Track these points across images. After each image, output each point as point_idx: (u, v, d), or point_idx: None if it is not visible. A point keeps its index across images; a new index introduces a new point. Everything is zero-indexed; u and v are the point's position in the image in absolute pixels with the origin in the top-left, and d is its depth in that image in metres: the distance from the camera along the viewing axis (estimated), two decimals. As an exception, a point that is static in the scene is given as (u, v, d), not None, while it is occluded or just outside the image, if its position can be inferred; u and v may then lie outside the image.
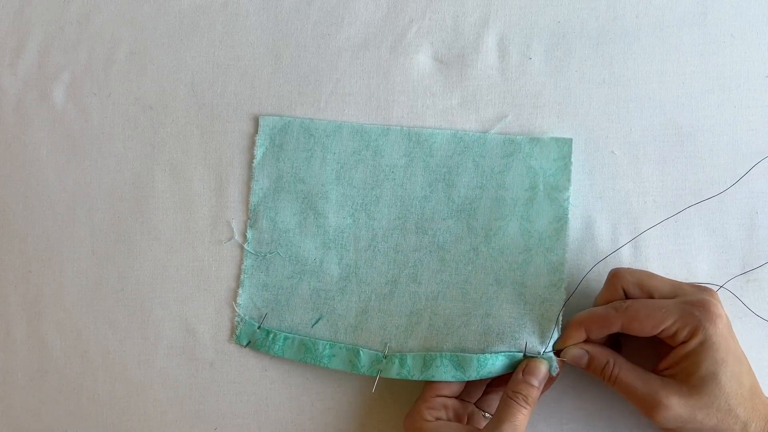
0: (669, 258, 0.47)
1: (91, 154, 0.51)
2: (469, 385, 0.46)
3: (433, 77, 0.50)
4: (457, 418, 0.45)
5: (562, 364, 0.44)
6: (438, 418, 0.44)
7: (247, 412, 0.49)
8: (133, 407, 0.49)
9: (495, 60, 0.50)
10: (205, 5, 0.52)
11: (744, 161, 0.48)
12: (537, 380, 0.43)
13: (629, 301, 0.42)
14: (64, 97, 0.52)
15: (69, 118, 0.52)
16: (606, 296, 0.43)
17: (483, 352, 0.45)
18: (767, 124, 0.48)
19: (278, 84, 0.51)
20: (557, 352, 0.44)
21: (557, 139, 0.48)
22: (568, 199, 0.46)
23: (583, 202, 0.48)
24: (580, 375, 0.46)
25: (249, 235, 0.49)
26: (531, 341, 0.44)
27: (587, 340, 0.43)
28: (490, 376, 0.44)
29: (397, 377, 0.45)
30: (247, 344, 0.49)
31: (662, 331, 0.40)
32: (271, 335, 0.48)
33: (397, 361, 0.46)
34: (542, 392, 0.43)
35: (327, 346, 0.47)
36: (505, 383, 0.45)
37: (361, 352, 0.47)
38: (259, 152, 0.50)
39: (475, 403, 0.46)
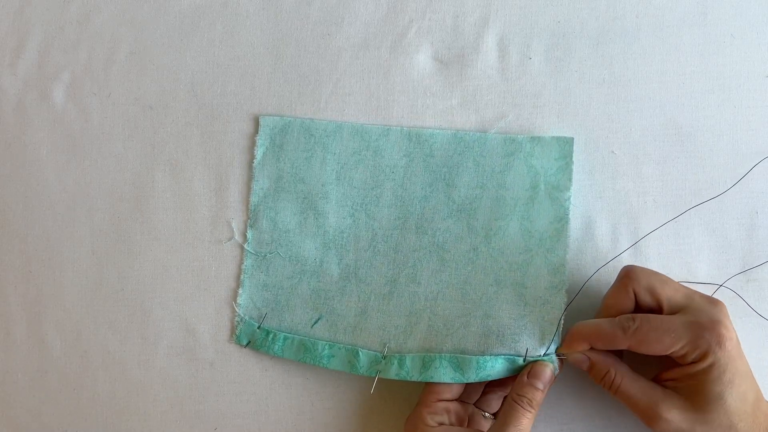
0: (669, 258, 0.47)
1: (91, 154, 0.51)
2: (469, 386, 0.45)
3: (433, 77, 0.50)
4: (459, 421, 0.44)
5: (562, 365, 0.44)
6: (441, 423, 0.43)
7: (247, 412, 0.49)
8: (133, 407, 0.49)
9: (495, 60, 0.50)
10: (205, 5, 0.52)
11: (744, 161, 0.48)
12: (542, 383, 0.42)
13: (638, 321, 0.40)
14: (64, 97, 0.52)
15: (69, 118, 0.52)
16: (615, 296, 0.42)
17: (483, 354, 0.44)
18: (767, 124, 0.48)
19: (278, 84, 0.50)
20: (558, 354, 0.44)
21: (559, 138, 0.47)
22: (569, 199, 0.46)
23: (583, 202, 0.48)
24: (580, 376, 0.46)
25: (249, 235, 0.49)
26: (531, 344, 0.44)
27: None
28: (489, 378, 0.44)
29: (396, 378, 0.45)
30: (247, 344, 0.48)
31: (671, 352, 0.40)
32: (271, 335, 0.48)
33: (396, 362, 0.46)
34: None
35: (326, 347, 0.47)
36: (504, 383, 0.45)
37: (360, 353, 0.46)
38: (259, 152, 0.49)
39: (474, 404, 0.46)
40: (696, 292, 0.42)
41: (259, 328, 0.48)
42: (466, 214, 0.47)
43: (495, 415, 0.46)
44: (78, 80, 0.52)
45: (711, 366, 0.39)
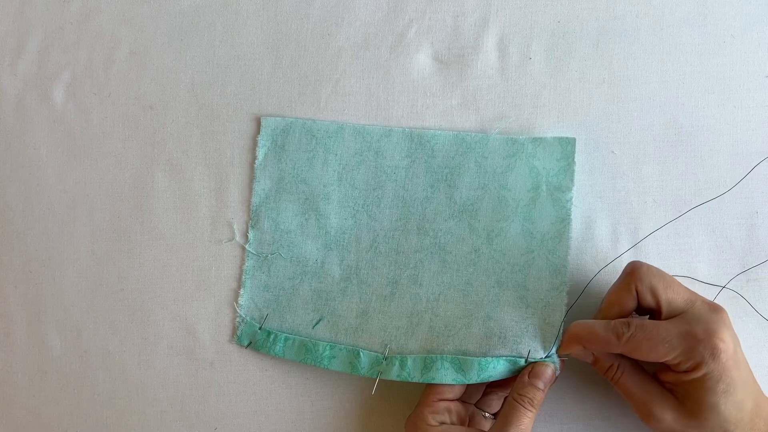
0: (669, 257, 0.47)
1: (91, 154, 0.51)
2: (470, 387, 0.45)
3: (433, 77, 0.50)
4: (460, 421, 0.44)
5: (563, 364, 0.44)
6: (442, 422, 0.43)
7: (247, 412, 0.49)
8: (133, 407, 0.49)
9: (495, 60, 0.49)
10: (205, 5, 0.52)
11: (744, 161, 0.47)
12: (543, 383, 0.42)
13: (632, 328, 0.40)
14: (64, 97, 0.52)
15: (69, 118, 0.51)
16: (618, 293, 0.42)
17: (484, 355, 0.44)
18: (767, 124, 0.48)
19: (278, 84, 0.50)
20: (558, 354, 0.43)
21: (560, 139, 0.47)
22: (571, 199, 0.46)
23: (583, 202, 0.47)
24: (580, 375, 0.46)
25: (251, 235, 0.49)
26: (533, 346, 0.44)
27: None
28: (490, 380, 0.44)
29: (397, 379, 0.45)
30: (248, 345, 0.48)
31: (665, 361, 0.40)
32: (272, 336, 0.48)
33: (397, 362, 0.45)
34: None
35: (327, 348, 0.47)
36: (505, 384, 0.45)
37: (361, 354, 0.46)
38: (260, 153, 0.49)
39: (474, 404, 0.46)
40: (698, 297, 0.41)
41: (260, 328, 0.48)
42: (467, 215, 0.47)
43: (495, 415, 0.46)
44: (78, 80, 0.52)
45: (704, 376, 0.38)
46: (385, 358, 0.46)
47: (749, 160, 0.47)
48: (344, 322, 0.47)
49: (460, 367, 0.44)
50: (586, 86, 0.49)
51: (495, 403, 0.46)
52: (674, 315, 0.41)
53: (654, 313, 0.42)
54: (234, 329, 0.49)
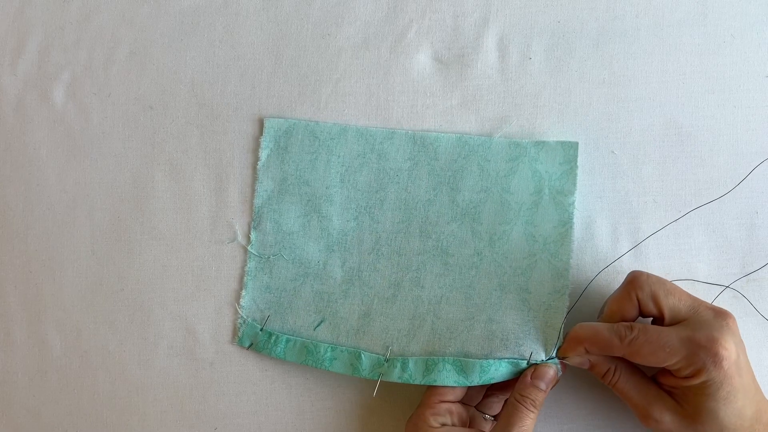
0: (669, 258, 0.47)
1: (91, 154, 0.51)
2: (470, 389, 0.45)
3: (433, 77, 0.50)
4: (461, 423, 0.44)
5: (565, 367, 0.43)
6: (443, 424, 0.43)
7: (247, 412, 0.49)
8: (133, 407, 0.49)
9: (495, 60, 0.49)
10: (205, 5, 0.51)
11: (744, 161, 0.47)
12: (545, 384, 0.42)
13: (635, 332, 0.40)
14: (64, 97, 0.52)
15: (69, 118, 0.51)
16: (619, 302, 0.42)
17: (486, 357, 0.44)
18: (767, 124, 0.48)
19: (278, 84, 0.50)
20: (558, 357, 0.43)
21: (563, 143, 0.47)
22: (573, 203, 0.46)
23: (584, 202, 0.47)
24: (580, 376, 0.46)
25: (253, 236, 0.49)
26: (535, 348, 0.44)
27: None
28: (492, 382, 0.43)
29: (399, 381, 0.45)
30: (250, 346, 0.48)
31: (666, 366, 0.39)
32: (273, 337, 0.47)
33: (398, 365, 0.45)
34: None
35: (329, 349, 0.47)
36: (505, 386, 0.45)
37: (362, 356, 0.46)
38: (263, 154, 0.49)
39: (475, 407, 0.46)
40: (702, 302, 0.41)
41: (261, 330, 0.48)
42: (470, 218, 0.47)
43: (496, 417, 0.45)
44: (78, 80, 0.51)
45: (705, 383, 0.38)
46: (387, 360, 0.46)
47: (749, 160, 0.47)
48: (346, 324, 0.47)
49: (462, 369, 0.44)
50: (586, 86, 0.48)
51: (496, 405, 0.46)
52: (678, 321, 0.40)
53: (657, 320, 0.41)
54: (235, 330, 0.48)
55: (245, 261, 0.49)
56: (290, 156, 0.49)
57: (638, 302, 0.41)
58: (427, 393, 0.44)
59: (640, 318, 0.42)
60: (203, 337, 0.49)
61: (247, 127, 0.50)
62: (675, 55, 0.48)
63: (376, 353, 0.46)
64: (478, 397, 0.46)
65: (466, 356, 0.45)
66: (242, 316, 0.48)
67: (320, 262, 0.48)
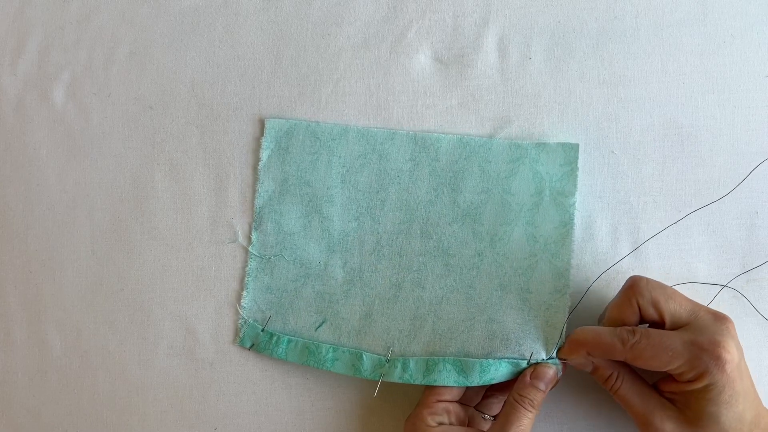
0: (669, 258, 0.47)
1: (91, 154, 0.51)
2: (469, 390, 0.45)
3: (433, 77, 0.50)
4: (459, 422, 0.44)
5: (565, 367, 0.43)
6: (441, 423, 0.43)
7: (247, 412, 0.48)
8: (133, 407, 0.49)
9: (495, 60, 0.49)
10: (205, 5, 0.51)
11: (744, 161, 0.47)
12: (544, 384, 0.42)
13: (637, 336, 0.39)
14: (64, 97, 0.51)
15: (69, 118, 0.51)
16: (619, 308, 0.41)
17: (486, 357, 0.44)
18: (767, 124, 0.48)
19: (278, 84, 0.50)
20: (560, 358, 0.43)
21: (564, 145, 0.47)
22: (574, 204, 0.45)
23: (584, 202, 0.47)
24: (580, 376, 0.46)
25: (254, 237, 0.48)
26: (535, 348, 0.43)
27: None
28: (492, 382, 0.43)
29: (400, 381, 0.45)
30: (251, 347, 0.48)
31: (668, 370, 0.39)
32: (275, 338, 0.47)
33: (399, 365, 0.45)
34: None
35: (330, 350, 0.46)
36: (505, 387, 0.44)
37: (364, 356, 0.46)
38: (264, 155, 0.49)
39: (474, 407, 0.46)
40: (702, 307, 0.40)
41: (262, 331, 0.48)
42: (471, 219, 0.47)
43: (495, 417, 0.45)
44: (78, 80, 0.51)
45: (707, 387, 0.38)
46: (388, 361, 0.46)
47: (749, 160, 0.47)
48: (347, 324, 0.47)
49: (462, 369, 0.44)
50: (586, 86, 0.48)
51: (495, 406, 0.45)
52: (678, 326, 0.40)
53: (657, 325, 0.41)
54: (236, 331, 0.48)
55: (245, 261, 0.49)
56: (291, 156, 0.49)
57: (639, 308, 0.41)
58: (425, 393, 0.44)
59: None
60: (203, 337, 0.49)
61: (247, 127, 0.50)
62: (675, 55, 0.48)
63: (378, 354, 0.46)
64: (476, 398, 0.46)
65: (466, 356, 0.44)
66: (243, 317, 0.48)
67: (321, 262, 0.48)
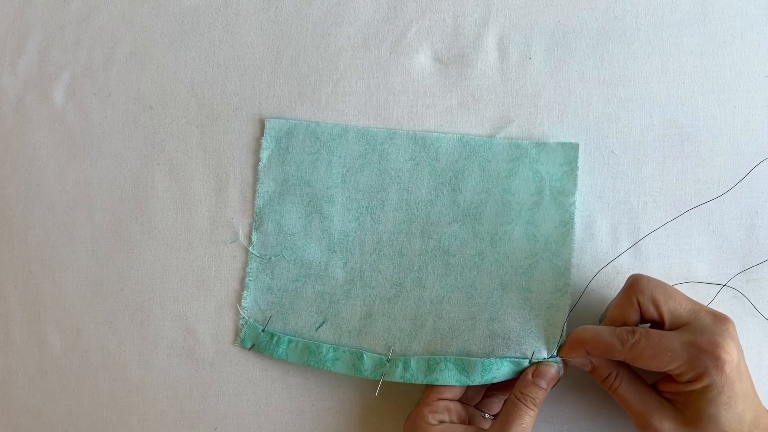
0: (669, 258, 0.47)
1: (91, 154, 0.51)
2: (470, 389, 0.45)
3: (433, 77, 0.50)
4: (460, 421, 0.44)
5: (566, 366, 0.43)
6: (441, 421, 0.43)
7: (247, 412, 0.48)
8: (133, 407, 0.49)
9: (495, 60, 0.49)
10: (205, 5, 0.51)
11: (744, 161, 0.47)
12: (546, 382, 0.42)
13: (636, 336, 0.39)
14: (64, 97, 0.51)
15: (69, 118, 0.51)
16: (620, 306, 0.41)
17: (488, 356, 0.44)
18: (767, 124, 0.48)
19: (278, 84, 0.50)
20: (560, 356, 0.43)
21: (564, 144, 0.47)
22: (574, 203, 0.45)
23: (584, 202, 0.47)
24: (580, 376, 0.46)
25: (254, 237, 0.48)
26: (537, 347, 0.43)
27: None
28: (494, 381, 0.43)
29: (401, 381, 0.44)
30: (251, 347, 0.48)
31: (667, 370, 0.39)
32: (275, 338, 0.47)
33: (400, 364, 0.45)
34: None
35: (331, 350, 0.46)
36: (506, 386, 0.44)
37: (364, 356, 0.46)
38: (264, 155, 0.49)
39: (475, 406, 0.46)
40: (703, 307, 0.40)
41: (263, 331, 0.48)
42: (471, 218, 0.47)
43: (495, 416, 0.45)
44: (78, 80, 0.51)
45: (706, 387, 0.38)
46: (389, 360, 0.46)
47: (749, 160, 0.47)
48: (348, 324, 0.47)
49: (464, 368, 0.44)
50: (586, 86, 0.48)
51: (495, 405, 0.45)
52: (678, 326, 0.40)
53: (657, 325, 0.41)
54: (237, 331, 0.48)
55: (245, 261, 0.49)
56: (291, 157, 0.49)
57: (639, 306, 0.41)
58: (426, 391, 0.44)
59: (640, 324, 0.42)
60: (203, 337, 0.49)
61: (247, 127, 0.50)
62: (675, 55, 0.48)
63: (378, 353, 0.46)
64: (477, 397, 0.46)
65: (468, 355, 0.44)
66: (244, 317, 0.48)
67: (322, 262, 0.48)
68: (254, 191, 0.49)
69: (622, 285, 0.43)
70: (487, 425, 0.45)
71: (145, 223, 0.50)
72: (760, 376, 0.44)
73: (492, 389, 0.46)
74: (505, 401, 0.44)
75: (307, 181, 0.48)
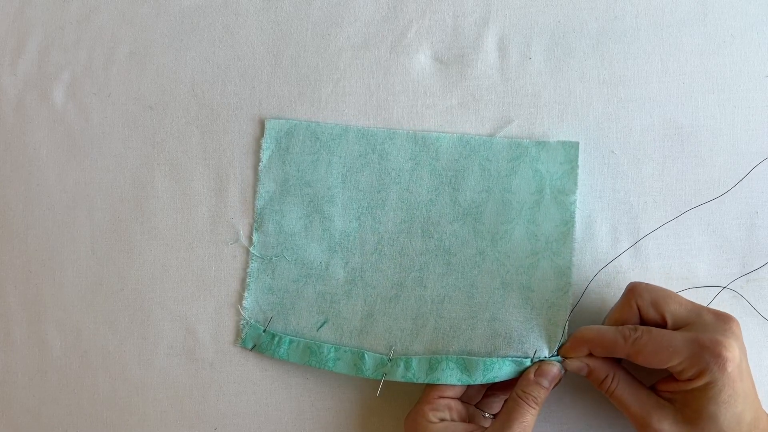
0: (669, 258, 0.47)
1: (91, 154, 0.51)
2: (470, 388, 0.45)
3: (433, 77, 0.50)
4: (461, 419, 0.44)
5: (565, 369, 0.44)
6: (442, 419, 0.43)
7: (247, 412, 0.48)
8: (133, 407, 0.49)
9: (495, 60, 0.49)
10: (205, 5, 0.51)
11: (744, 161, 0.47)
12: (548, 381, 0.42)
13: (639, 332, 0.39)
14: (64, 97, 0.51)
15: (69, 118, 0.51)
16: (620, 311, 0.42)
17: (489, 355, 0.44)
18: (767, 124, 0.48)
19: (278, 84, 0.50)
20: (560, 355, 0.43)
21: (564, 143, 0.47)
22: (574, 202, 0.45)
23: (584, 202, 0.47)
24: (581, 376, 0.46)
25: (255, 238, 0.48)
26: (538, 346, 0.43)
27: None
28: (496, 380, 0.43)
29: (402, 380, 0.44)
30: (252, 348, 0.48)
31: (668, 367, 0.39)
32: (276, 339, 0.47)
33: (402, 364, 0.45)
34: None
35: (332, 350, 0.46)
36: (505, 386, 0.44)
37: (366, 356, 0.46)
38: (265, 155, 0.49)
39: (475, 405, 0.46)
40: (704, 308, 0.40)
41: (264, 331, 0.48)
42: (472, 218, 0.47)
43: (496, 416, 0.45)
44: (78, 80, 0.51)
45: (707, 385, 0.38)
46: (390, 360, 0.46)
47: (749, 160, 0.47)
48: (349, 324, 0.47)
49: (466, 367, 0.44)
50: (586, 86, 0.48)
51: (496, 405, 0.45)
52: (680, 326, 0.40)
53: (660, 326, 0.41)
54: (238, 332, 0.48)
55: (245, 261, 0.49)
56: (291, 157, 0.49)
57: (639, 310, 0.41)
58: (427, 389, 0.44)
59: None
60: (203, 337, 0.49)
61: (247, 127, 0.50)
62: (675, 55, 0.48)
63: (380, 353, 0.46)
64: (478, 396, 0.46)
65: (469, 355, 0.44)
66: (245, 318, 0.48)
67: (322, 262, 0.48)
68: (254, 191, 0.49)
69: (622, 285, 0.43)
70: (487, 424, 0.45)
71: (145, 223, 0.50)
72: (760, 376, 0.44)
73: (492, 388, 0.46)
74: (505, 401, 0.44)
75: (308, 181, 0.48)
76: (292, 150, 0.49)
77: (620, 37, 0.48)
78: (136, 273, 0.49)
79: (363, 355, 0.46)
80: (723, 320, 0.39)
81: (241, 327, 0.48)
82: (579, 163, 0.46)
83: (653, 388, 0.42)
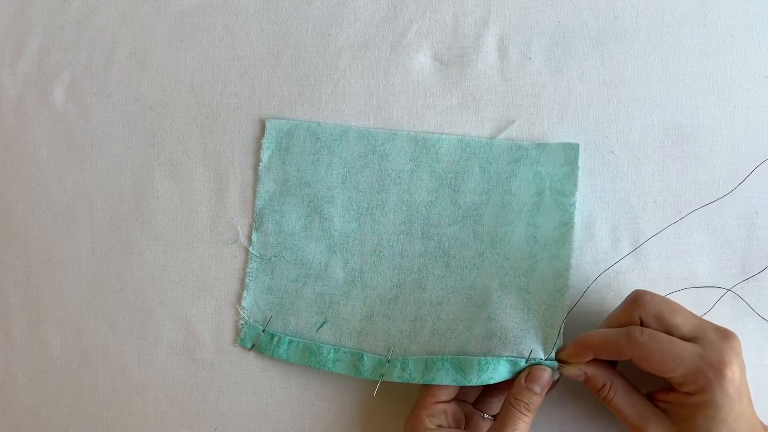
0: (669, 258, 0.47)
1: (91, 154, 0.51)
2: (467, 386, 0.45)
3: (433, 77, 0.49)
4: (457, 423, 0.44)
5: (561, 373, 0.43)
6: (439, 425, 0.43)
7: (247, 412, 0.48)
8: (133, 407, 0.49)
9: (495, 60, 0.49)
10: (205, 5, 0.51)
11: (744, 161, 0.47)
12: (539, 387, 0.42)
13: (646, 334, 0.39)
14: (64, 97, 0.51)
15: (69, 118, 0.51)
16: (620, 319, 0.41)
17: (485, 355, 0.44)
18: (767, 124, 0.48)
19: (278, 84, 0.50)
20: (559, 359, 0.43)
21: (564, 145, 0.46)
22: (574, 204, 0.45)
23: (584, 202, 0.47)
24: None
25: (254, 238, 0.48)
26: (534, 347, 0.43)
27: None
28: (491, 381, 0.43)
29: (399, 381, 0.44)
30: (252, 348, 0.48)
31: (670, 377, 0.39)
32: (276, 339, 0.47)
33: (399, 365, 0.45)
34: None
35: (331, 351, 0.46)
36: (505, 387, 0.44)
37: (365, 357, 0.46)
38: (265, 155, 0.49)
39: (474, 406, 0.45)
40: (708, 323, 0.40)
41: (263, 331, 0.48)
42: (471, 220, 0.46)
43: (495, 417, 0.45)
44: (78, 80, 0.51)
45: (706, 402, 0.38)
46: (388, 361, 0.46)
47: (749, 160, 0.47)
48: (348, 325, 0.47)
49: (460, 367, 0.44)
50: (586, 86, 0.48)
51: (495, 405, 0.45)
52: (684, 341, 0.39)
53: None
54: (237, 331, 0.48)
55: (245, 261, 0.49)
56: (292, 157, 0.49)
57: (640, 322, 0.40)
58: (422, 394, 0.44)
59: None
60: (203, 337, 0.49)
61: (247, 127, 0.50)
62: (675, 55, 0.48)
63: (378, 354, 0.46)
64: (474, 393, 0.46)
65: (464, 355, 0.44)
66: (244, 318, 0.48)
67: (322, 263, 0.48)
68: (254, 191, 0.49)
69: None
70: (486, 426, 0.44)
71: (145, 223, 0.50)
72: (760, 376, 0.44)
73: (491, 389, 0.46)
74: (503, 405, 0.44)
75: (308, 182, 0.48)
76: (293, 150, 0.48)
77: (620, 37, 0.48)
78: (136, 273, 0.49)
79: (362, 357, 0.46)
80: (727, 338, 0.39)
81: (240, 327, 0.48)
82: (579, 164, 0.46)
83: (650, 397, 0.41)
